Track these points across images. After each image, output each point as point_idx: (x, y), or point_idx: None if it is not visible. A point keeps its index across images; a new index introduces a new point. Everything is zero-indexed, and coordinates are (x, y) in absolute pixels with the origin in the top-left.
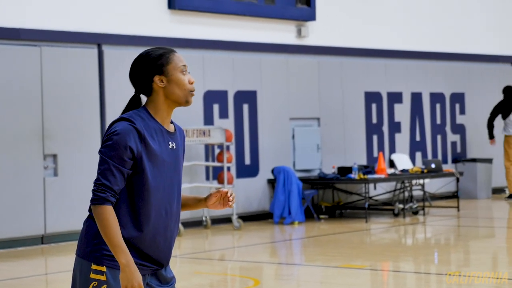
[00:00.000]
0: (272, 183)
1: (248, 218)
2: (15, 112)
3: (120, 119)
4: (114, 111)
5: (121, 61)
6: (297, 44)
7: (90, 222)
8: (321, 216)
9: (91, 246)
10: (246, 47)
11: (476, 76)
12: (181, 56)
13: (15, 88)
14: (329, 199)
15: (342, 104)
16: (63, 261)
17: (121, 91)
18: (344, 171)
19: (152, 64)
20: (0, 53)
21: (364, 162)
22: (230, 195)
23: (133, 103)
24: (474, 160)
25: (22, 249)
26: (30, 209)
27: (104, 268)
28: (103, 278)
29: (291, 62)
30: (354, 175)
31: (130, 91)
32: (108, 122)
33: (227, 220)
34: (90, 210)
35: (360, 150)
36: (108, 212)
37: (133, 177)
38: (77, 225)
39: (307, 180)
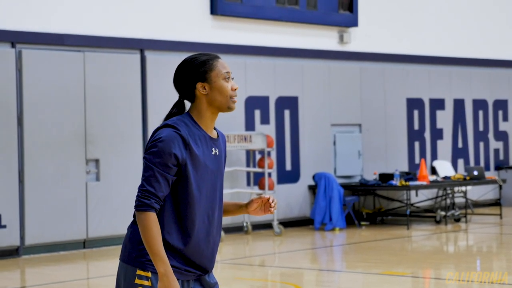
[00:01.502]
0: (313, 189)
1: (289, 224)
2: (58, 117)
3: (164, 125)
4: (156, 117)
5: (163, 66)
6: (339, 50)
7: (134, 228)
8: (362, 223)
9: (136, 252)
10: (288, 53)
11: None
12: (225, 62)
13: (59, 93)
14: (370, 205)
15: (384, 111)
16: (105, 266)
17: (163, 96)
18: (385, 177)
19: (195, 71)
20: (45, 58)
21: (405, 168)
22: (272, 201)
23: (177, 108)
24: None
25: (64, 253)
26: (72, 214)
27: (149, 274)
28: (148, 283)
29: (333, 68)
30: (396, 182)
31: (172, 96)
32: (150, 127)
33: (267, 226)
34: (134, 215)
35: (402, 156)
36: (151, 219)
37: (178, 184)
38: (119, 229)
39: (348, 186)
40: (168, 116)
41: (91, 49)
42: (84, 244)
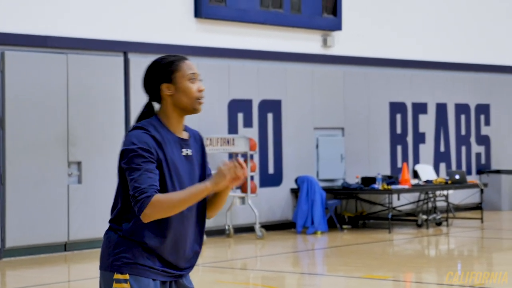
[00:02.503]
0: (295, 192)
1: (271, 227)
2: (40, 118)
3: (134, 128)
4: None
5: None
6: (323, 53)
7: (109, 233)
8: (344, 226)
9: (112, 256)
10: (271, 56)
11: (501, 87)
12: (191, 63)
13: (41, 95)
14: (352, 209)
15: (367, 114)
16: (86, 269)
17: (146, 99)
18: (367, 181)
19: (160, 72)
20: (28, 60)
21: (388, 172)
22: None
23: (146, 110)
24: (498, 171)
25: (45, 256)
26: (53, 216)
27: (127, 276)
28: (127, 286)
29: (316, 71)
30: (378, 186)
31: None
32: None
33: (250, 229)
34: (110, 221)
35: (384, 160)
36: (159, 199)
37: None
38: (100, 232)
39: (331, 190)
40: (138, 117)
41: (75, 51)
42: (66, 246)
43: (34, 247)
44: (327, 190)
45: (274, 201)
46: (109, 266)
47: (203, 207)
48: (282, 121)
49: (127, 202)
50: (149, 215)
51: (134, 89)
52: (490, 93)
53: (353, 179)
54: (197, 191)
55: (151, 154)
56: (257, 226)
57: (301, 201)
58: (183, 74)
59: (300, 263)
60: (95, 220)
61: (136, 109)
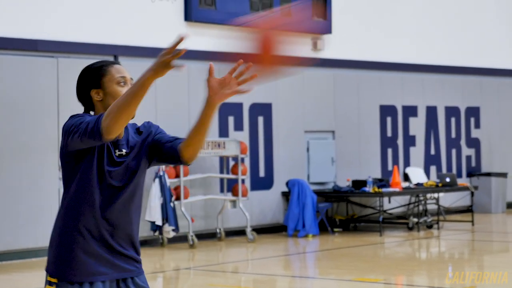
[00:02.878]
0: (286, 195)
1: (262, 230)
2: (31, 122)
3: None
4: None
5: (137, 72)
6: (313, 57)
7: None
8: (335, 229)
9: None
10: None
11: (491, 90)
12: (122, 67)
13: (32, 99)
14: (343, 212)
15: (358, 117)
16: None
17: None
18: (358, 184)
19: (89, 78)
20: (18, 64)
21: (378, 175)
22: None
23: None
24: (488, 174)
25: (36, 260)
26: (44, 220)
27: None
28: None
29: (307, 75)
30: (369, 189)
31: (144, 102)
32: None
33: (241, 232)
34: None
35: (375, 163)
36: (107, 111)
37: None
38: None
39: (322, 193)
40: None
41: (65, 55)
42: None
43: (25, 251)
44: (318, 193)
45: (265, 204)
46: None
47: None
48: (273, 124)
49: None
50: (107, 129)
51: None
52: (480, 96)
53: (344, 182)
54: (138, 81)
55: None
56: (248, 230)
57: (292, 204)
58: (111, 78)
59: (291, 266)
60: None
61: None
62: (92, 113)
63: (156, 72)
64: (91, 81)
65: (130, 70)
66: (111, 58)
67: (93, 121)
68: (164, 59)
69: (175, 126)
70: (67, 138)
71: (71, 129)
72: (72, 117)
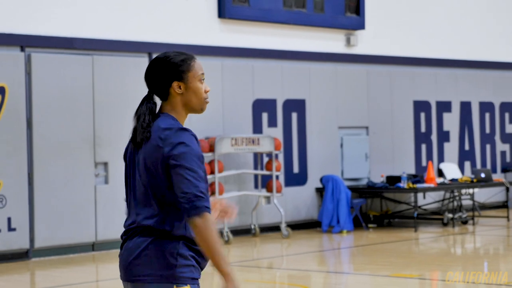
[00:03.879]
0: (320, 191)
1: (297, 226)
2: (67, 120)
3: (183, 129)
4: None
5: None
6: (346, 53)
7: (157, 242)
8: (370, 225)
9: (173, 268)
10: (295, 56)
11: None
12: (201, 63)
13: (68, 96)
14: (377, 208)
15: (391, 113)
16: (114, 268)
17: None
18: (392, 180)
19: (172, 69)
20: (54, 62)
21: (412, 171)
22: (231, 209)
23: (147, 103)
24: None
25: (73, 256)
26: (81, 217)
27: (188, 287)
28: None
29: (340, 71)
30: (403, 184)
31: None
32: None
33: (275, 228)
34: (148, 225)
35: (409, 159)
36: (210, 222)
37: None
38: None
39: (356, 189)
40: (150, 112)
41: (100, 53)
42: (93, 246)
43: (62, 247)
44: (352, 189)
45: (299, 201)
46: (170, 277)
47: None
48: (307, 120)
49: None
50: (196, 221)
51: None
52: None
53: (378, 178)
54: (221, 256)
55: (201, 158)
56: (283, 225)
57: (326, 200)
58: (194, 74)
59: (326, 262)
60: (122, 220)
61: None
62: (157, 104)
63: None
64: (175, 73)
65: None
66: (145, 55)
67: (202, 203)
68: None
69: (209, 121)
70: (180, 163)
71: (184, 167)
72: (189, 139)
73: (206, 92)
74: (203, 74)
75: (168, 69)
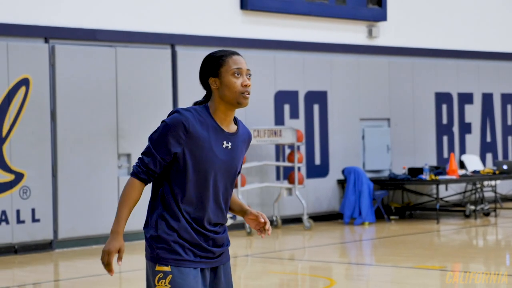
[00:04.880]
0: (342, 183)
1: (318, 218)
2: (90, 111)
3: (175, 110)
4: None
5: (194, 61)
6: (368, 44)
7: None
8: (392, 217)
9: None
10: (317, 48)
11: None
12: (240, 58)
13: (91, 88)
14: (399, 200)
15: (413, 105)
16: (136, 259)
17: (193, 91)
18: (414, 172)
19: (209, 66)
20: (77, 53)
21: (434, 163)
22: (266, 227)
23: (205, 99)
24: None
25: (96, 247)
26: (104, 208)
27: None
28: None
29: (362, 62)
30: (426, 176)
31: (202, 91)
32: None
33: (297, 220)
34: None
35: (430, 151)
36: (131, 185)
37: (176, 170)
38: None
39: (377, 180)
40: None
41: (123, 44)
42: None
43: (85, 238)
44: (374, 181)
45: (321, 192)
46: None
47: (223, 201)
48: (328, 112)
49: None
50: (127, 181)
51: (182, 80)
52: None
53: (399, 170)
54: (116, 216)
55: (167, 142)
56: (304, 217)
57: (348, 192)
58: (227, 68)
59: (348, 254)
60: (145, 211)
61: (183, 101)
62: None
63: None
64: (210, 70)
65: (186, 58)
66: (168, 47)
67: (137, 169)
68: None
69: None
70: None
71: (150, 139)
72: (164, 119)
73: (244, 86)
74: (238, 68)
75: (206, 66)
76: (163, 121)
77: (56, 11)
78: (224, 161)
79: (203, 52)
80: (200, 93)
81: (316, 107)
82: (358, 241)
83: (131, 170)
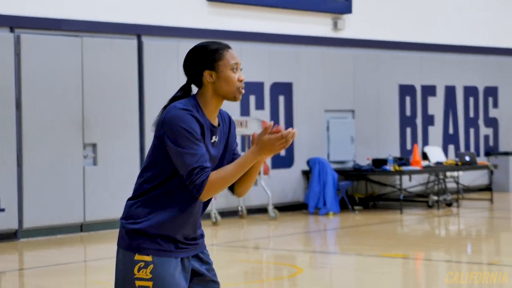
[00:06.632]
0: (306, 174)
1: (283, 208)
2: (56, 101)
3: (179, 108)
4: (152, 101)
5: (160, 52)
6: (333, 36)
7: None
8: (356, 207)
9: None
10: (283, 39)
11: (509, 70)
12: (234, 53)
13: (57, 77)
14: (363, 190)
15: (377, 97)
16: (102, 249)
17: (160, 81)
18: (379, 163)
19: (204, 58)
20: (42, 43)
21: (397, 154)
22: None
23: (183, 92)
24: (506, 153)
25: (61, 237)
26: (70, 198)
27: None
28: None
29: (327, 54)
30: (390, 167)
31: (169, 81)
32: (147, 112)
33: (262, 210)
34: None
35: (394, 142)
36: (215, 178)
37: (172, 165)
38: (116, 213)
39: (342, 171)
40: (173, 99)
41: (89, 34)
42: (82, 227)
43: (51, 228)
44: (338, 171)
45: (286, 183)
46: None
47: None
48: (293, 103)
49: (158, 170)
50: (206, 195)
51: (148, 71)
52: (498, 75)
53: (363, 161)
54: (244, 162)
55: (198, 135)
56: (270, 207)
57: (313, 182)
58: (225, 63)
59: (313, 243)
60: (111, 201)
61: (149, 91)
62: (194, 89)
63: (264, 155)
64: (206, 62)
65: (152, 49)
66: (134, 38)
67: (198, 178)
68: (275, 151)
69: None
70: (171, 143)
71: (175, 149)
72: (178, 116)
73: (239, 81)
74: (236, 63)
75: (200, 58)
76: (177, 122)
77: (22, 0)
78: (213, 156)
79: (169, 42)
80: (166, 82)
81: (281, 98)
82: (323, 231)
83: (195, 185)
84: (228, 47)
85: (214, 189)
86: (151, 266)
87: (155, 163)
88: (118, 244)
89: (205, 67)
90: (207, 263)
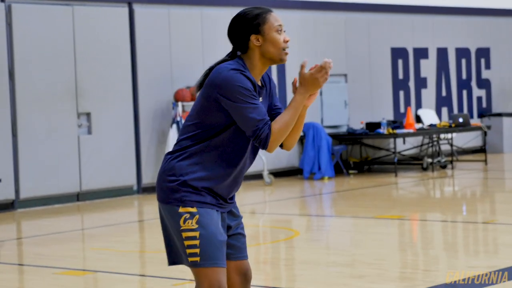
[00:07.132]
0: (301, 139)
1: (278, 174)
2: (48, 71)
3: (230, 69)
4: (145, 69)
5: (151, 20)
6: (324, 0)
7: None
8: (350, 171)
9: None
10: (273, 4)
11: (501, 31)
12: (277, 15)
13: (49, 47)
14: (357, 154)
15: (369, 60)
16: (98, 217)
17: (151, 49)
18: (372, 126)
19: (249, 24)
20: (34, 12)
21: (391, 117)
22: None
23: (231, 57)
24: (499, 114)
25: (58, 206)
26: (65, 167)
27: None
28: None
29: (318, 19)
30: (383, 130)
31: (160, 49)
32: (139, 80)
33: (258, 176)
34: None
35: (387, 105)
36: (276, 128)
37: (224, 124)
38: (111, 182)
39: (336, 136)
40: (220, 62)
41: (80, 3)
42: (78, 197)
43: (47, 197)
44: (333, 136)
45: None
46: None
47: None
48: (286, 68)
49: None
50: (273, 146)
51: (140, 39)
52: (490, 36)
53: (357, 125)
54: (296, 104)
55: (253, 92)
56: (265, 173)
57: (307, 147)
58: (270, 26)
59: (308, 207)
60: (106, 170)
61: (142, 59)
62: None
63: (310, 92)
64: (252, 27)
65: (144, 17)
66: (125, 5)
67: (262, 132)
68: (319, 85)
69: (190, 70)
70: (231, 102)
71: (240, 101)
72: (234, 77)
73: (285, 42)
74: (280, 25)
75: (245, 24)
76: (231, 84)
77: None
78: None
79: (160, 10)
80: (158, 49)
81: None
82: (318, 195)
83: (261, 139)
84: (270, 10)
85: (279, 138)
86: (197, 216)
87: (202, 121)
88: (159, 200)
89: (251, 31)
90: (237, 216)
